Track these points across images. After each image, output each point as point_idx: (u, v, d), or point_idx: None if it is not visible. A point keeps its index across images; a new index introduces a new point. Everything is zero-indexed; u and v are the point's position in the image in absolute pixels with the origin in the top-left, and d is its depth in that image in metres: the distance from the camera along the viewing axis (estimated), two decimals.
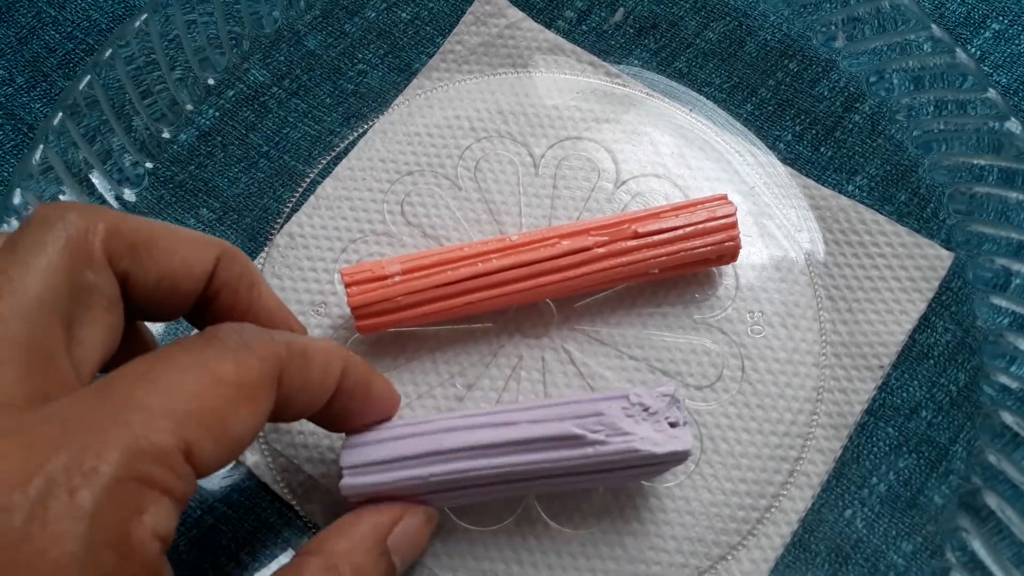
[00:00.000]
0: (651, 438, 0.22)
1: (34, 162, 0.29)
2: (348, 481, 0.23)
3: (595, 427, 0.22)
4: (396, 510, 0.23)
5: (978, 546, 0.25)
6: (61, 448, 0.15)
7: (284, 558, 0.26)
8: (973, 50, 0.34)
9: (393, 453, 0.23)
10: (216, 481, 0.27)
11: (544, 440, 0.22)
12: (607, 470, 0.23)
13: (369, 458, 0.23)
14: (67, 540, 0.14)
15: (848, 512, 0.27)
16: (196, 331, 0.22)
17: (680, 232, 0.27)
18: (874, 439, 0.28)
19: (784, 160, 0.31)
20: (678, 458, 0.23)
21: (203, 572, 0.26)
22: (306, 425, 0.27)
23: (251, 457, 0.27)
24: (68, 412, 0.16)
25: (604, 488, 0.26)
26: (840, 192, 0.31)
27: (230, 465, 0.27)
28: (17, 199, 0.28)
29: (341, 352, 0.21)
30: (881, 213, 0.30)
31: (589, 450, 0.22)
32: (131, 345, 0.22)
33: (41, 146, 0.29)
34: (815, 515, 0.27)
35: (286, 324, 0.23)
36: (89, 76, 0.30)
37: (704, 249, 0.27)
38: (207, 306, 0.21)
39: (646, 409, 0.23)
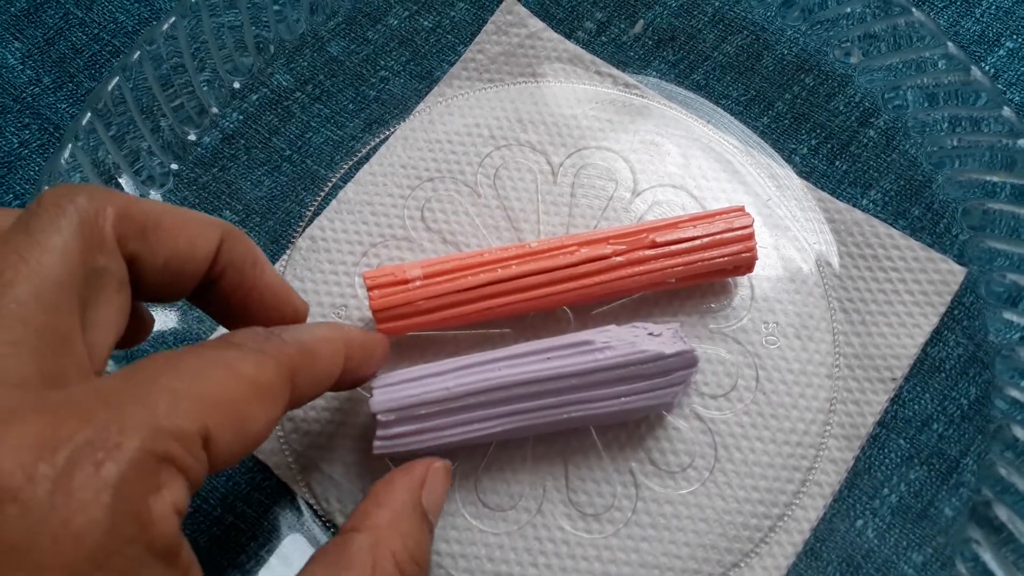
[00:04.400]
0: (657, 344, 0.25)
1: (63, 161, 0.29)
2: (378, 397, 0.24)
3: (604, 338, 0.25)
4: (422, 468, 0.24)
5: (989, 558, 0.25)
6: (85, 424, 0.15)
7: (304, 556, 0.26)
8: (987, 68, 0.34)
9: (419, 373, 0.25)
10: (236, 479, 0.28)
11: (557, 348, 0.25)
12: (621, 381, 0.25)
13: (396, 379, 0.25)
14: (91, 510, 0.14)
15: (859, 522, 0.27)
16: (197, 310, 0.23)
17: (698, 242, 0.28)
18: (886, 450, 0.28)
19: (800, 173, 0.32)
20: (687, 362, 0.25)
21: (223, 569, 0.26)
22: (326, 426, 0.28)
23: (271, 456, 0.28)
24: (93, 392, 0.16)
25: (620, 485, 0.27)
26: (855, 206, 0.31)
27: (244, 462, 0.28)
28: None
29: (343, 335, 0.22)
30: (895, 227, 0.31)
31: (599, 355, 0.25)
32: (132, 324, 0.22)
33: (70, 145, 0.29)
34: (827, 525, 0.27)
35: (289, 301, 0.24)
36: (117, 78, 0.31)
37: (721, 260, 0.28)
38: (211, 286, 0.22)
39: (650, 333, 0.26)
